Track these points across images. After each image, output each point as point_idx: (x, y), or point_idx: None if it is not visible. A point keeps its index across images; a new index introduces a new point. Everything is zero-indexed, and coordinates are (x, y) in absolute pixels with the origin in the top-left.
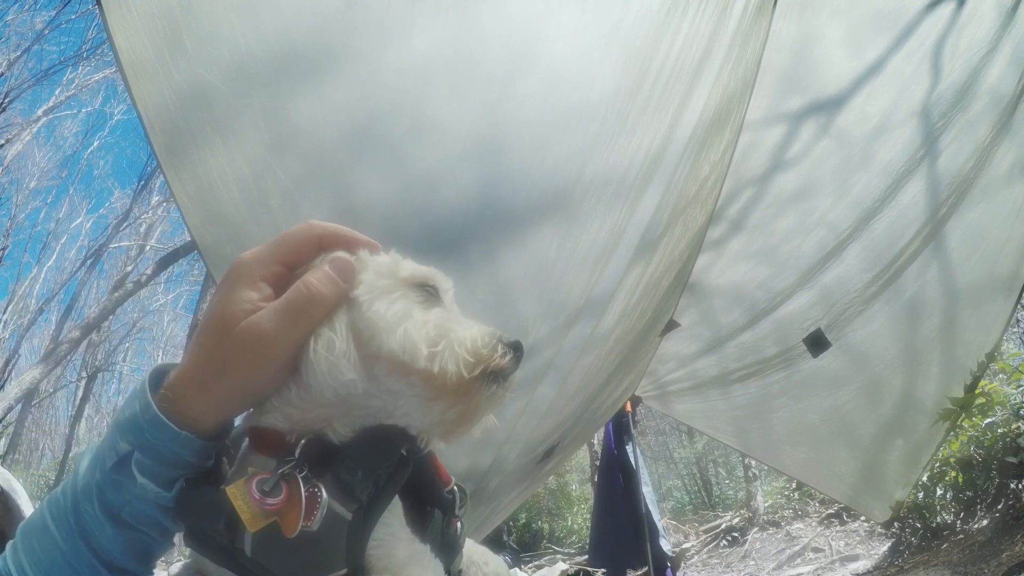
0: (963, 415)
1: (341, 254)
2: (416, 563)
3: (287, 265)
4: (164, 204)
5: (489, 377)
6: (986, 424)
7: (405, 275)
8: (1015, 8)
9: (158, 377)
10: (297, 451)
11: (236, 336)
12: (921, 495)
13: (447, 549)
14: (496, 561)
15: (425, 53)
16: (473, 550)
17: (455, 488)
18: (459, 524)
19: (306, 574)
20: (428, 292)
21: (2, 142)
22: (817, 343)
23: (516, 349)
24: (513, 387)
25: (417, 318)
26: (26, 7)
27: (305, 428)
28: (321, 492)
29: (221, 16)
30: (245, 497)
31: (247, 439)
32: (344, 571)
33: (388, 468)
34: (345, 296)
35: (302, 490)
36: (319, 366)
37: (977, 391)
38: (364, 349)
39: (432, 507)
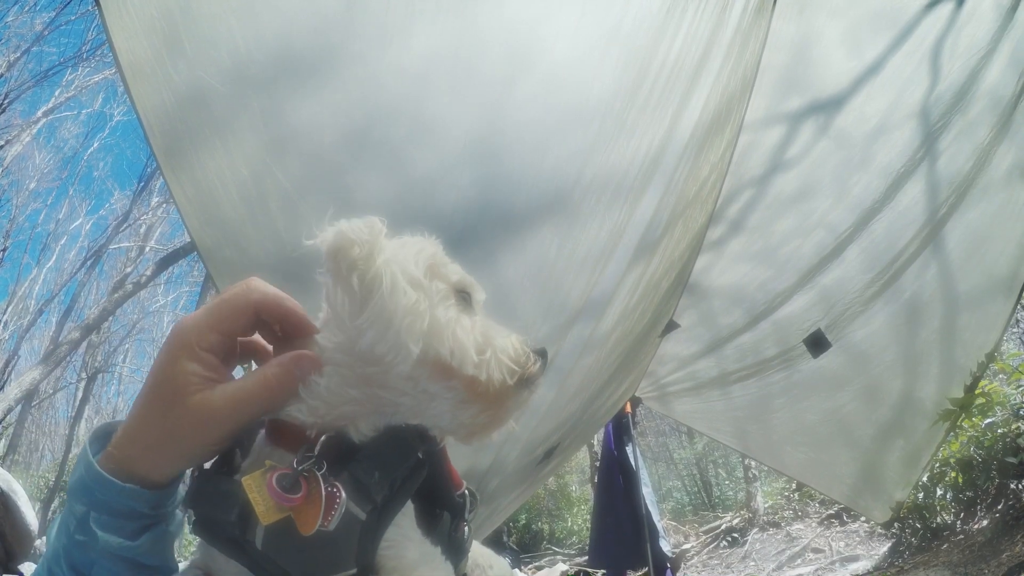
0: (963, 415)
1: (307, 353)
2: (427, 565)
3: (224, 334)
4: (164, 205)
5: (523, 383)
6: (986, 424)
7: (455, 280)
8: (1014, 8)
9: (101, 436)
10: (317, 448)
11: (188, 408)
12: (921, 495)
13: (454, 552)
14: (501, 564)
15: (424, 55)
16: (478, 552)
17: (465, 491)
18: (467, 528)
19: (316, 571)
20: (464, 299)
21: (2, 143)
22: (817, 344)
23: (543, 356)
24: (536, 392)
25: (465, 324)
26: (26, 8)
27: (328, 424)
28: (340, 492)
29: (220, 18)
30: (261, 490)
31: (263, 430)
32: (354, 570)
33: (404, 470)
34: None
35: (322, 489)
36: (403, 322)
37: (977, 391)
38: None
39: (441, 509)
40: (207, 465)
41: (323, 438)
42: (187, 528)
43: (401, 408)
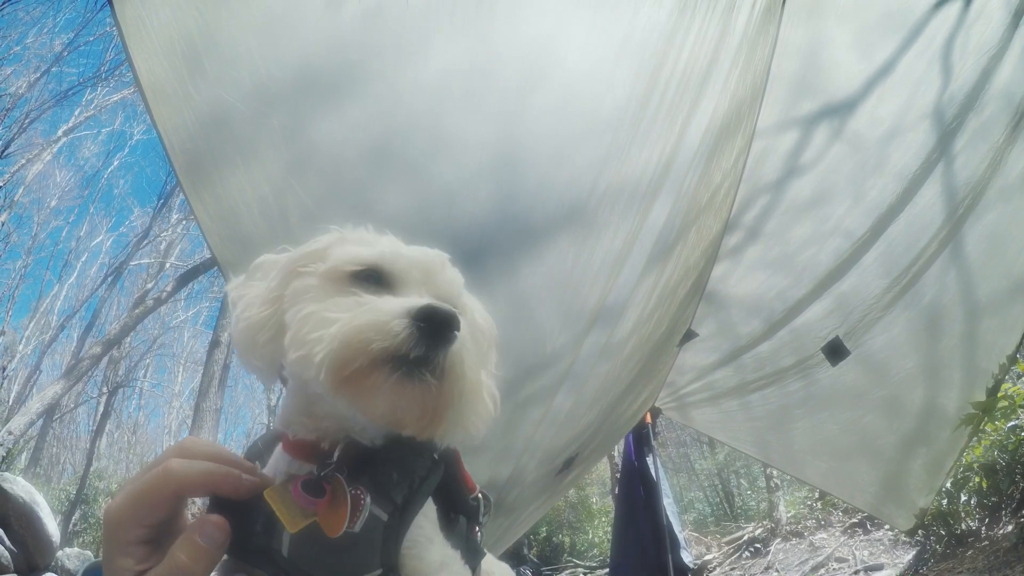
0: (985, 419)
1: (210, 517)
2: (448, 567)
3: (148, 527)
4: (184, 222)
5: (390, 364)
6: (1009, 427)
7: (329, 266)
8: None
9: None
10: (336, 454)
11: None
12: (945, 502)
13: (470, 555)
14: (506, 572)
15: (441, 70)
16: (492, 564)
17: (479, 495)
18: (479, 532)
19: (342, 574)
20: (368, 279)
21: (23, 162)
22: (835, 352)
23: (424, 320)
24: (448, 373)
25: (306, 311)
26: (45, 30)
27: (332, 436)
28: (365, 495)
29: (240, 38)
30: (286, 500)
31: (280, 444)
32: (379, 571)
33: (422, 471)
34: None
35: (347, 492)
36: (259, 338)
37: (999, 394)
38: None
39: (456, 513)
40: None
41: (340, 445)
42: None
43: (348, 420)
